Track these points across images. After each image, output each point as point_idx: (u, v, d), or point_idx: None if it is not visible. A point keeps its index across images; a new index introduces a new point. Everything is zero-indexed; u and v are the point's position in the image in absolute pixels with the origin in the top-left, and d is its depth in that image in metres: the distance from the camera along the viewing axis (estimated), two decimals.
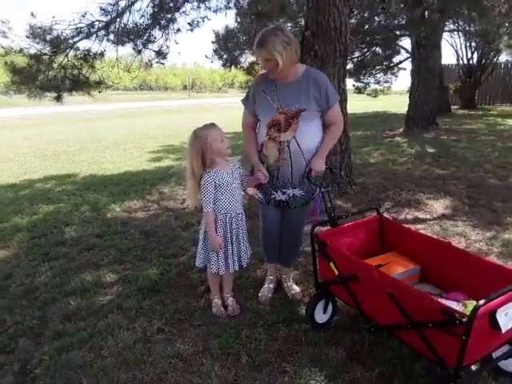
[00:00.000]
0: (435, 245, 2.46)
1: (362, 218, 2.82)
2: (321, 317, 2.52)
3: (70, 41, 5.96)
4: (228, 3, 7.91)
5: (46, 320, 2.73)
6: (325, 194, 2.63)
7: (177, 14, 7.06)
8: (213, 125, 2.56)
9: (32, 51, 5.66)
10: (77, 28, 5.96)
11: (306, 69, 2.66)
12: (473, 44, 16.04)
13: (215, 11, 7.74)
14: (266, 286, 3.02)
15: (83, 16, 5.96)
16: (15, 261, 3.69)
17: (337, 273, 2.31)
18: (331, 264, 2.33)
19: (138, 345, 2.44)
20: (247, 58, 11.79)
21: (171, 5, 6.99)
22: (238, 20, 10.03)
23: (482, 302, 1.64)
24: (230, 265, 2.65)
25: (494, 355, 1.94)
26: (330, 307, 2.56)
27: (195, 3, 7.27)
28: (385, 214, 4.44)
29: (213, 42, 11.19)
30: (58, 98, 6.20)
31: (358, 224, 2.69)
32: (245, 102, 2.78)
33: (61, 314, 2.80)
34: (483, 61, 16.20)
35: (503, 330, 1.73)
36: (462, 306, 2.01)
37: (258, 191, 2.76)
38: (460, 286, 2.24)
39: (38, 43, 5.72)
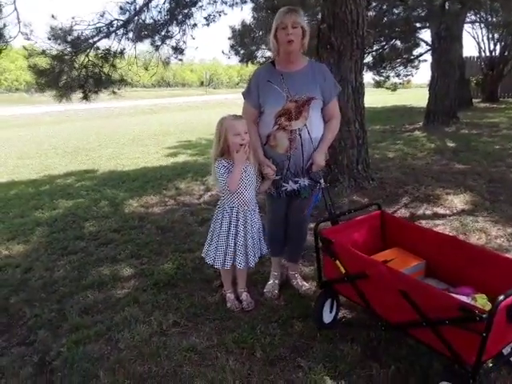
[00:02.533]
0: (440, 239, 2.41)
1: (367, 214, 2.75)
2: (328, 316, 2.48)
3: (90, 40, 6.06)
4: None
5: (65, 313, 2.78)
6: (324, 190, 2.60)
7: (193, 9, 7.09)
8: (236, 117, 2.53)
9: (54, 52, 5.77)
10: (96, 28, 6.06)
11: (310, 60, 2.68)
12: (495, 36, 15.65)
13: (231, 5, 7.75)
14: (272, 282, 2.99)
15: (102, 16, 6.06)
16: (35, 255, 3.76)
17: (343, 271, 2.26)
18: (337, 262, 2.27)
19: (154, 338, 2.47)
20: (264, 53, 11.76)
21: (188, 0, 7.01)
22: (254, 15, 9.99)
23: (501, 297, 1.60)
24: (228, 260, 2.62)
25: (505, 351, 1.89)
26: (334, 305, 2.51)
27: None
28: (403, 210, 4.41)
29: (229, 38, 11.19)
30: (86, 97, 6.33)
31: (361, 220, 2.63)
32: (246, 94, 2.69)
33: (78, 307, 2.84)
34: (506, 53, 15.80)
35: None
36: (472, 300, 1.97)
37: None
38: (466, 279, 2.20)
39: (59, 44, 5.84)
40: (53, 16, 5.81)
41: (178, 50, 7.12)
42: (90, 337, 2.50)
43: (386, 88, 17.57)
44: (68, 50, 5.87)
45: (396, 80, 16.73)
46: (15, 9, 4.87)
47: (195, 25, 7.02)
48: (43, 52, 5.72)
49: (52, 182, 6.71)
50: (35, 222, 4.65)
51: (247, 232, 2.62)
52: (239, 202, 2.58)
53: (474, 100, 15.36)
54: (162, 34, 6.84)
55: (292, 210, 2.82)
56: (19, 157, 9.37)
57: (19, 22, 4.88)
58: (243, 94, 2.73)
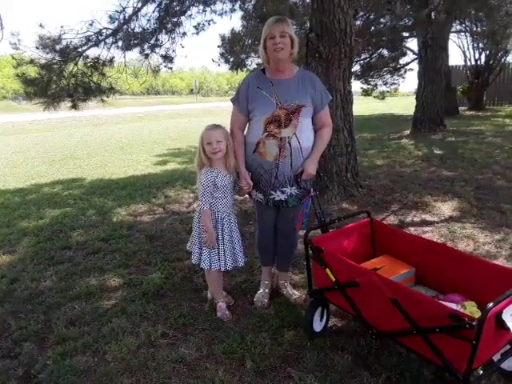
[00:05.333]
0: (429, 246, 2.42)
1: (357, 221, 2.76)
2: (318, 325, 2.47)
3: (79, 49, 6.05)
4: (233, 6, 7.95)
5: (51, 324, 2.72)
6: (314, 198, 2.59)
7: (182, 18, 7.11)
8: (212, 126, 2.57)
9: (42, 61, 5.74)
10: (85, 36, 6.05)
11: (300, 68, 2.70)
12: (480, 45, 15.91)
13: (221, 14, 7.79)
14: (262, 291, 2.96)
15: (91, 25, 6.08)
16: (21, 265, 3.69)
17: (334, 279, 2.25)
18: (327, 270, 2.26)
19: (142, 349, 2.43)
20: (253, 61, 11.83)
21: (177, 8, 7.03)
22: (244, 23, 10.04)
23: (491, 304, 1.61)
24: (222, 262, 2.65)
25: (495, 358, 1.90)
26: (325, 313, 2.50)
27: (201, 7, 7.32)
28: (392, 217, 4.43)
29: (219, 46, 11.22)
30: (74, 106, 6.30)
31: (350, 228, 2.64)
32: (235, 100, 2.68)
33: (65, 318, 2.78)
34: (491, 61, 16.06)
35: None
36: (461, 308, 1.97)
37: (257, 192, 2.70)
38: (455, 286, 2.21)
39: (47, 53, 5.82)
40: (41, 25, 5.79)
41: (167, 59, 7.14)
42: (76, 349, 2.45)
43: (374, 97, 17.75)
44: (57, 58, 5.85)
45: (383, 88, 16.92)
46: None
47: (184, 33, 7.06)
48: (32, 61, 5.69)
49: (39, 190, 6.61)
50: (21, 231, 4.57)
51: (233, 234, 2.69)
52: (223, 206, 2.63)
53: (460, 108, 15.57)
54: (152, 42, 6.85)
55: (281, 218, 2.80)
56: (6, 165, 9.24)
57: (2, 28, 4.80)
58: (232, 100, 2.71)
